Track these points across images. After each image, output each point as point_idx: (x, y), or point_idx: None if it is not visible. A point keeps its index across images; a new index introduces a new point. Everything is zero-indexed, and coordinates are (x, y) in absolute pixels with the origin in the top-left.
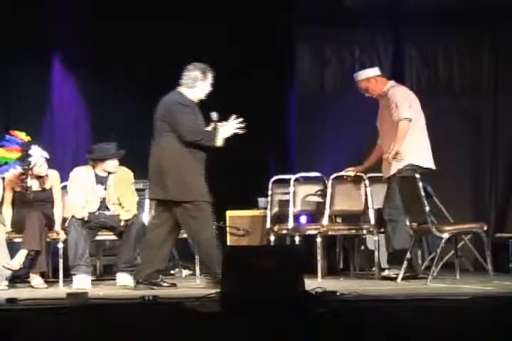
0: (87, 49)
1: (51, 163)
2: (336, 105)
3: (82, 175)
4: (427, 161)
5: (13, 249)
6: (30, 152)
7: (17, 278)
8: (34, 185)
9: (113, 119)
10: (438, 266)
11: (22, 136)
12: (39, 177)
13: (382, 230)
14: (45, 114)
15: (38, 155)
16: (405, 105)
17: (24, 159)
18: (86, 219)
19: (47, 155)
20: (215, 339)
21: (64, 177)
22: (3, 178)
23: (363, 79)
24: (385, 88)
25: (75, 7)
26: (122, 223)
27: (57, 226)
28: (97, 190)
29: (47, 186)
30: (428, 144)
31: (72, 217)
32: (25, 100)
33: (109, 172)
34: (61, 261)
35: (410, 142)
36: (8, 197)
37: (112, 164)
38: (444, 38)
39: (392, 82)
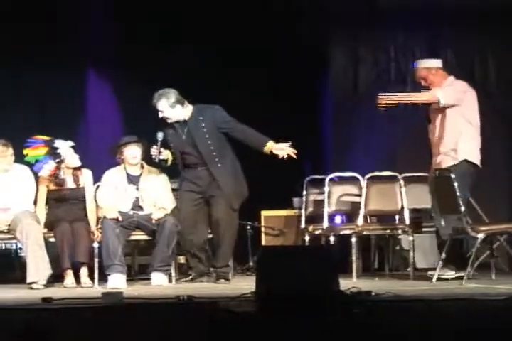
0: (123, 55)
1: (88, 166)
2: (371, 105)
3: (113, 175)
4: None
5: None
6: (55, 145)
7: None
8: (68, 182)
9: (147, 125)
10: (473, 266)
11: (42, 137)
12: (73, 174)
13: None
14: (81, 120)
15: (64, 145)
16: (451, 93)
17: (53, 152)
18: (120, 219)
19: (72, 143)
20: (251, 339)
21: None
22: (40, 177)
23: (425, 67)
24: (446, 83)
25: (110, 9)
26: (154, 221)
27: (92, 227)
28: (130, 190)
29: (81, 183)
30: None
31: (105, 217)
32: (60, 107)
33: (142, 167)
34: (96, 260)
35: (467, 139)
36: (43, 196)
37: (131, 152)
38: (479, 39)
39: (452, 78)
